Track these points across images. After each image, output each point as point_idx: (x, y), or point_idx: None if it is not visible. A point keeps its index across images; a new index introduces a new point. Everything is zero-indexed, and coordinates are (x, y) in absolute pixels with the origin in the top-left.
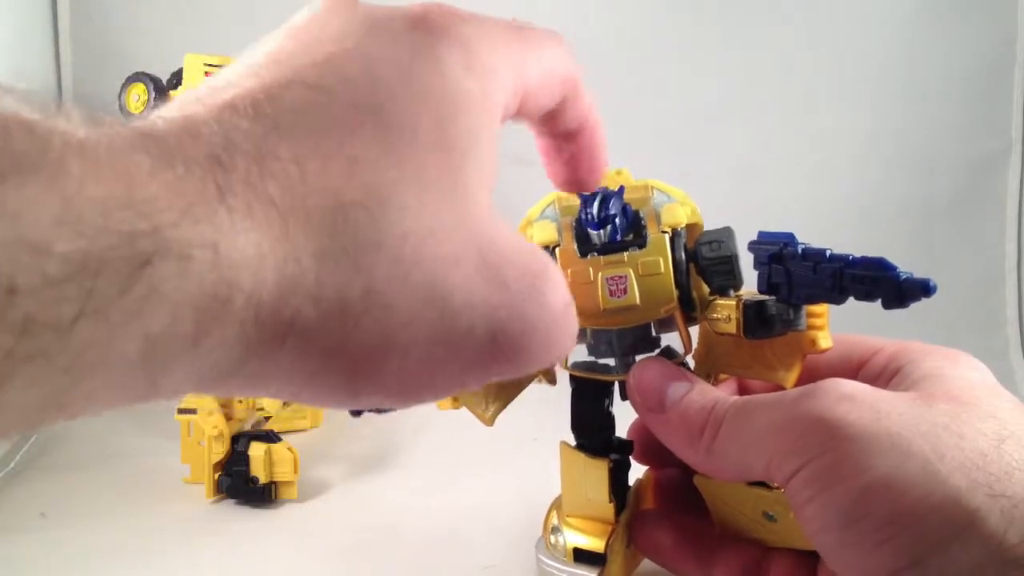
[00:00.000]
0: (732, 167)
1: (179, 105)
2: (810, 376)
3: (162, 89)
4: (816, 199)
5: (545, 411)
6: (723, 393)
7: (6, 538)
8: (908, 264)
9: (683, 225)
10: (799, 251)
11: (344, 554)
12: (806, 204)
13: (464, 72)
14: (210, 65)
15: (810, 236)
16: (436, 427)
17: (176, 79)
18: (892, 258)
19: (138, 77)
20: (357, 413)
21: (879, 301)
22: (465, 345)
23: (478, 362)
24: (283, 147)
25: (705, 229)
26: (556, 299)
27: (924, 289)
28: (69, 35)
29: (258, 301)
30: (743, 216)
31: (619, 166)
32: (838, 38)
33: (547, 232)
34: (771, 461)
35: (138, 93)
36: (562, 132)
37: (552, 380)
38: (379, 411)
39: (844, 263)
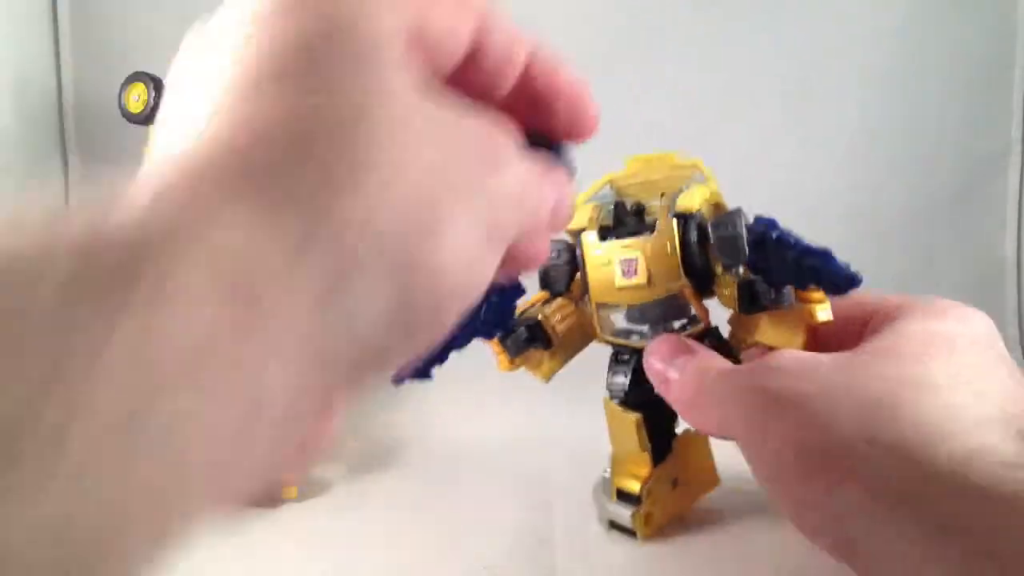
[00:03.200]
0: (730, 166)
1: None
2: (822, 334)
3: (162, 89)
4: (816, 198)
5: (547, 410)
6: (718, 362)
7: None
8: (908, 264)
9: (696, 209)
10: (775, 237)
11: (344, 554)
12: (805, 203)
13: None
14: None
15: (809, 235)
16: (436, 427)
17: None
18: (892, 258)
19: (138, 77)
20: (399, 381)
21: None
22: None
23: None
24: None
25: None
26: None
27: (850, 282)
28: (69, 35)
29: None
30: None
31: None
32: (837, 37)
33: (578, 218)
34: (729, 424)
35: (138, 93)
36: (505, 81)
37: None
38: (421, 377)
39: (801, 252)
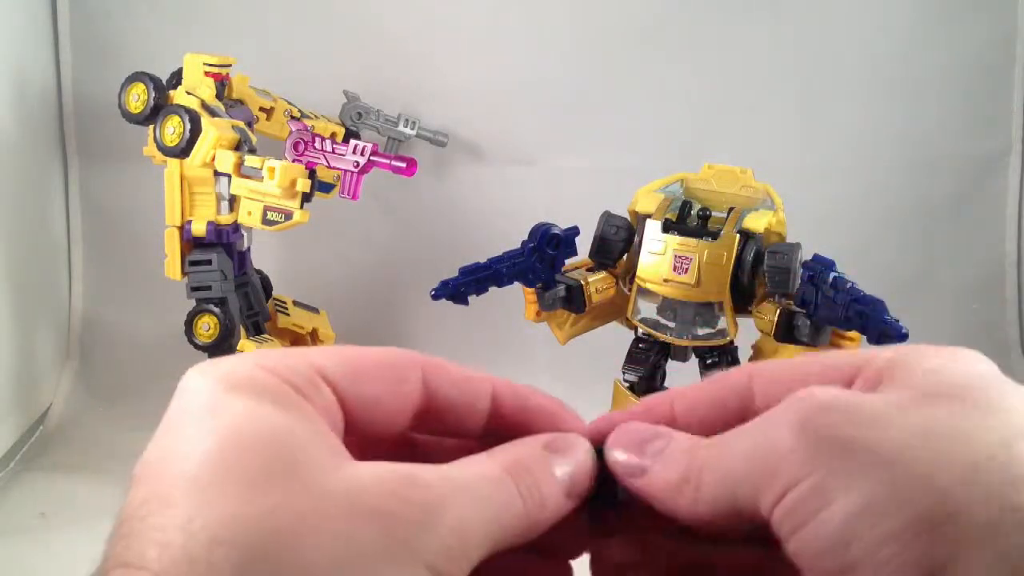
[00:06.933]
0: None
1: None
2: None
3: (162, 89)
4: (816, 199)
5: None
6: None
7: (6, 538)
8: (908, 264)
9: (760, 231)
10: (831, 278)
11: None
12: (806, 204)
13: None
14: (210, 65)
15: (810, 235)
16: None
17: (176, 79)
18: (892, 258)
19: (138, 77)
20: (436, 297)
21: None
22: None
23: None
24: None
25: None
26: None
27: (898, 337)
28: (69, 35)
29: None
30: None
31: (744, 166)
32: (838, 38)
33: (646, 203)
34: (754, 492)
35: (138, 93)
36: (471, 425)
37: (631, 326)
38: None
39: (853, 298)
